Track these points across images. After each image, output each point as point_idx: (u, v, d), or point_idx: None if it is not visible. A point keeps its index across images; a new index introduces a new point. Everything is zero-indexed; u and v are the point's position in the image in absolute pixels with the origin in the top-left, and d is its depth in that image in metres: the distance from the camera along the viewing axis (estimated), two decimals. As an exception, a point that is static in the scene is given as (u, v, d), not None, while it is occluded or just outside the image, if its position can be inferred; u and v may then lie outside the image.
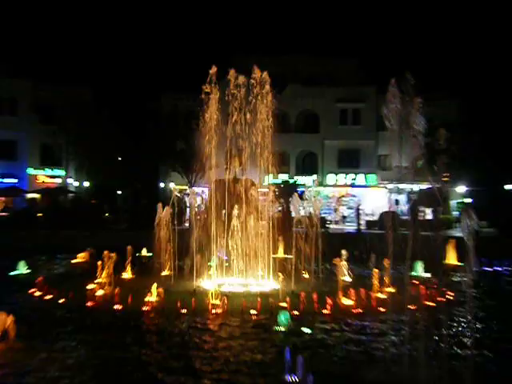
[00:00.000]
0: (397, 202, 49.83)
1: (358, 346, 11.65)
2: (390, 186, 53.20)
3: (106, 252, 18.12)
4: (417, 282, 19.73)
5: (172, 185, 54.47)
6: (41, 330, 12.49)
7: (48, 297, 16.26)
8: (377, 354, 10.87)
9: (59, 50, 53.97)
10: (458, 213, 45.04)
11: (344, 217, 51.53)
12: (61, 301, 15.63)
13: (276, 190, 45.31)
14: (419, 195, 47.11)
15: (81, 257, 25.37)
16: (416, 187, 50.55)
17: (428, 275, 20.96)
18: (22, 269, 21.73)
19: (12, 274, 21.24)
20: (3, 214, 43.55)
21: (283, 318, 12.68)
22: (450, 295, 17.17)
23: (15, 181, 50.95)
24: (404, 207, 49.88)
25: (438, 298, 16.40)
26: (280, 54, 55.04)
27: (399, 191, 53.11)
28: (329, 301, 14.84)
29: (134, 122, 47.02)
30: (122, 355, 10.79)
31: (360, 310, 14.85)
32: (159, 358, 10.65)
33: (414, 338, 11.42)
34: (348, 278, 19.95)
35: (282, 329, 12.53)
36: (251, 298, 15.58)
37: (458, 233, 36.26)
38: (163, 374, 9.67)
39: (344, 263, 19.90)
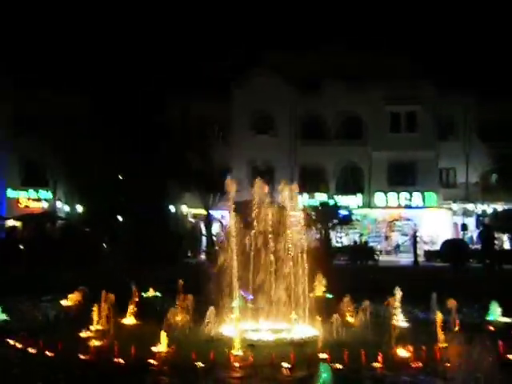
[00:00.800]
0: (464, 227, 49.30)
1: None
2: (455, 206, 52.75)
3: (103, 292, 18.17)
4: (493, 329, 19.49)
5: (184, 208, 54.83)
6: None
7: (32, 350, 16.28)
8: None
9: (47, 54, 54.40)
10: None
11: (397, 246, 51.23)
12: (49, 354, 15.67)
13: (313, 213, 45.79)
14: (493, 218, 46.60)
15: (72, 298, 25.45)
16: (489, 208, 50.05)
17: (508, 320, 20.66)
18: (-1, 315, 21.66)
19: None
20: None
21: (324, 373, 12.54)
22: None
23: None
24: (474, 234, 49.36)
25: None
26: (312, 48, 54.97)
27: (467, 213, 52.60)
28: (380, 352, 14.67)
29: (136, 135, 47.31)
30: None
31: (419, 364, 14.62)
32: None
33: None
34: (404, 323, 19.73)
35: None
36: (283, 348, 15.48)
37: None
38: None
39: (398, 304, 19.70)
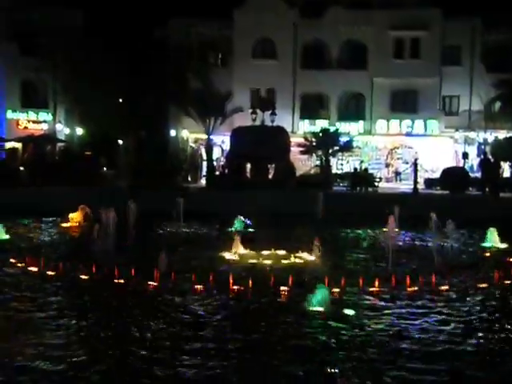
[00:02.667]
0: (465, 155, 49.26)
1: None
2: (457, 135, 52.66)
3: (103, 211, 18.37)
4: (488, 255, 19.78)
5: (185, 132, 54.75)
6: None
7: (33, 268, 16.52)
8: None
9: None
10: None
11: (398, 173, 51.36)
12: (49, 273, 15.91)
13: (314, 139, 45.80)
14: (495, 147, 46.55)
15: (73, 218, 25.67)
16: (491, 136, 49.97)
17: (505, 246, 20.94)
18: (0, 234, 21.86)
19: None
20: None
21: (320, 295, 12.74)
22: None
23: (-10, 127, 51.58)
24: (475, 162, 49.36)
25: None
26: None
27: (469, 142, 52.56)
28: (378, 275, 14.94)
29: (136, 54, 46.76)
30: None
31: (415, 288, 14.88)
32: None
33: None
34: (401, 246, 20.04)
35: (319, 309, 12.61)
36: (282, 272, 15.73)
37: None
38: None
39: (395, 229, 19.94)
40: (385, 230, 20.07)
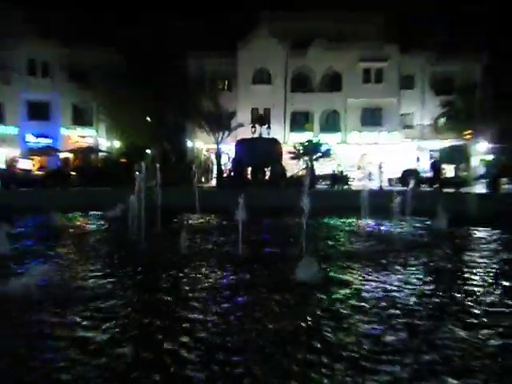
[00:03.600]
0: (418, 159, 49.47)
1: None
2: (413, 143, 52.84)
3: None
4: (436, 236, 19.96)
5: (199, 143, 54.91)
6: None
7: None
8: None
9: (89, 11, 53.50)
10: (481, 170, 44.55)
11: (369, 174, 51.45)
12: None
13: (301, 148, 45.72)
14: (441, 152, 46.80)
15: (112, 212, 25.79)
16: (438, 144, 50.18)
17: (450, 230, 21.13)
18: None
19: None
20: (39, 173, 44.21)
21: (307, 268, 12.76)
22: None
23: (50, 141, 51.67)
24: (426, 165, 49.56)
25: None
26: (305, 10, 54.05)
27: (421, 149, 52.73)
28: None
29: (161, 82, 46.90)
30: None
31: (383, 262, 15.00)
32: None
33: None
34: (368, 230, 20.15)
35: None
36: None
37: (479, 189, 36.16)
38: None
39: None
40: (357, 218, 20.27)
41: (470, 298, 10.84)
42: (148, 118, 50.70)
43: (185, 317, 9.32)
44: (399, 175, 43.40)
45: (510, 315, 9.72)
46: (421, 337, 8.53)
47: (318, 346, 8.12)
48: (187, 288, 11.34)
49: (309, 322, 9.21)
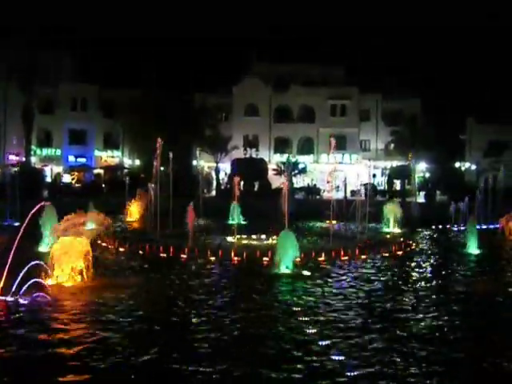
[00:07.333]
0: (374, 175, 49.61)
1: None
2: (369, 163, 52.94)
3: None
4: (388, 237, 19.94)
5: (202, 162, 54.73)
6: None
7: (112, 247, 16.52)
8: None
9: (120, 58, 54.21)
10: (419, 184, 44.82)
11: (337, 187, 51.30)
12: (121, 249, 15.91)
13: (282, 166, 45.62)
14: (391, 170, 47.05)
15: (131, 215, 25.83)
16: (389, 164, 50.50)
17: (399, 231, 21.16)
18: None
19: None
20: (77, 185, 45.23)
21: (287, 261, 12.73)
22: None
23: (85, 160, 52.04)
24: (380, 180, 49.86)
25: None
26: (286, 61, 54.83)
27: (376, 167, 52.87)
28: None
29: (172, 114, 46.73)
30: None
31: (346, 258, 14.99)
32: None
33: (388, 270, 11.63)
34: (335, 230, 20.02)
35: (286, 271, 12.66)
36: (263, 248, 15.71)
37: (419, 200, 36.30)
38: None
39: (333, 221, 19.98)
40: (326, 222, 20.17)
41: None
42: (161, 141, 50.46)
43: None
44: (359, 188, 43.36)
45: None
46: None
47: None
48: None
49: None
